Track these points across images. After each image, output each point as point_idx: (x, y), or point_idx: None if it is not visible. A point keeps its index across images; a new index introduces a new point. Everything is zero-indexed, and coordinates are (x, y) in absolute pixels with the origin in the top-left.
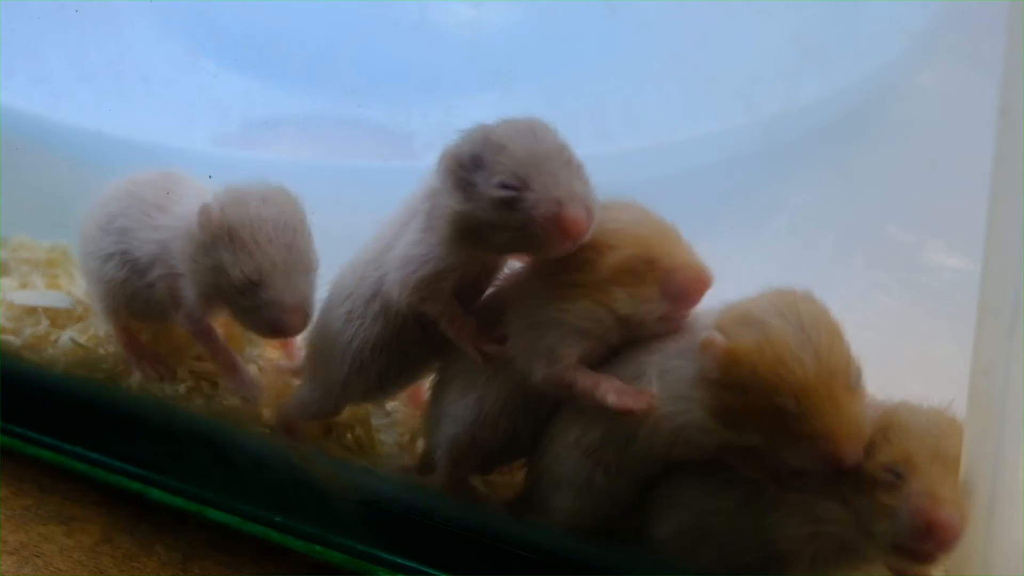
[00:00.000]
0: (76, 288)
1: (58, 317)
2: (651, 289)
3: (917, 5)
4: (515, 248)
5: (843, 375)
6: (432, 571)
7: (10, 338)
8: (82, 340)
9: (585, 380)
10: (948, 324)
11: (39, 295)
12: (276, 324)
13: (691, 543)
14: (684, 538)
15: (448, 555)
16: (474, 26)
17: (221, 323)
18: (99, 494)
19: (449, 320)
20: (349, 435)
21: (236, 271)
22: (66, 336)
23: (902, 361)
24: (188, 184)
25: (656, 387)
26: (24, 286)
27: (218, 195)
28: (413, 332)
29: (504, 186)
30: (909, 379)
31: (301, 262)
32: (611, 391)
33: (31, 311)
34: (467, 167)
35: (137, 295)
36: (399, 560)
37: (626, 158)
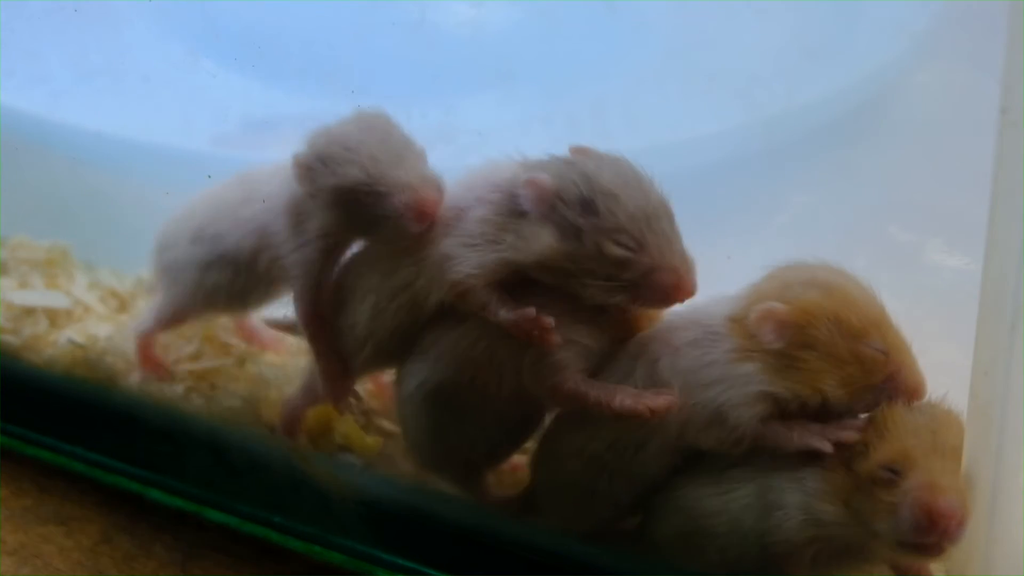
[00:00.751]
0: (75, 288)
1: (57, 317)
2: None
3: (917, 5)
4: (605, 298)
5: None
6: (432, 571)
7: (9, 338)
8: (81, 340)
9: (598, 389)
10: (949, 324)
11: (38, 295)
12: (411, 204)
13: (692, 544)
14: (686, 539)
15: (448, 555)
16: (474, 26)
17: None
18: (98, 494)
19: (496, 310)
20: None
21: (353, 172)
22: (65, 336)
23: None
24: (264, 173)
25: (677, 383)
26: (23, 286)
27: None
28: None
29: (621, 245)
30: None
31: (408, 147)
32: (628, 396)
33: (30, 311)
34: (572, 207)
35: (248, 291)
36: (399, 560)
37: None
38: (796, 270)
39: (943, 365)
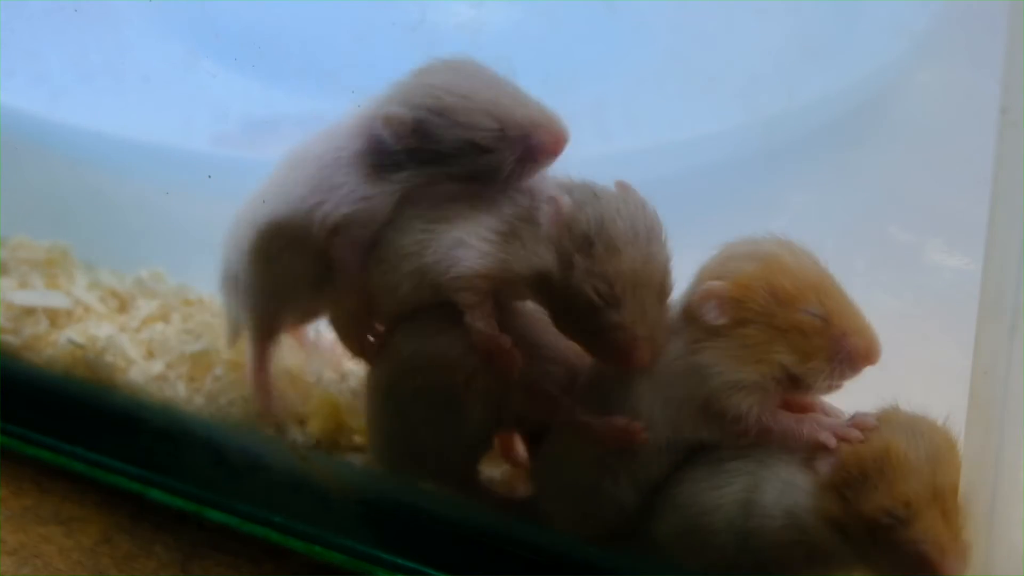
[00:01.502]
0: (75, 288)
1: (57, 317)
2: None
3: (917, 5)
4: (569, 334)
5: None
6: (432, 571)
7: (9, 338)
8: (81, 340)
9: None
10: (949, 324)
11: (38, 295)
12: (548, 142)
13: (692, 542)
14: (685, 537)
15: (448, 555)
16: (474, 26)
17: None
18: (98, 494)
19: (479, 317)
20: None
21: (481, 120)
22: (65, 336)
23: (902, 361)
24: (307, 145)
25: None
26: (23, 286)
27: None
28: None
29: (598, 293)
30: (910, 379)
31: (513, 85)
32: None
33: (30, 311)
34: (575, 240)
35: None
36: (399, 560)
37: (626, 158)
38: (737, 245)
39: (943, 365)
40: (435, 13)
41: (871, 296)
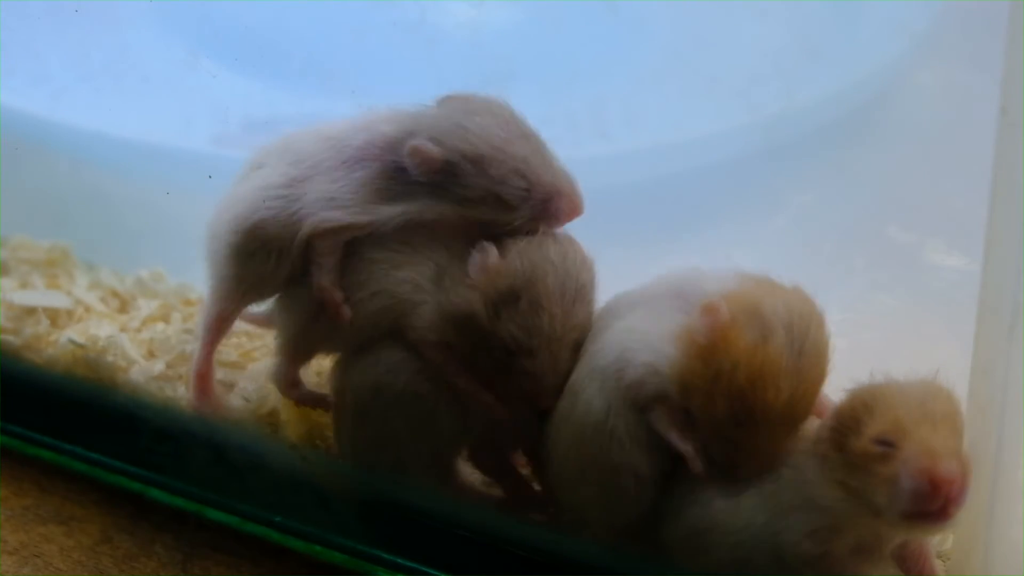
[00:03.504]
0: (76, 288)
1: (58, 317)
2: None
3: (917, 5)
4: (480, 371)
5: (803, 415)
6: (432, 571)
7: (10, 338)
8: (81, 340)
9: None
10: (948, 324)
11: (39, 295)
12: (564, 208)
13: (700, 544)
14: (694, 539)
15: (448, 555)
16: (474, 26)
17: None
18: (99, 494)
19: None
20: None
21: (510, 177)
22: (65, 336)
23: (902, 361)
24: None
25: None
26: (24, 286)
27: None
28: None
29: (517, 343)
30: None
31: (540, 141)
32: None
33: (31, 311)
34: (500, 292)
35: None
36: (399, 560)
37: (626, 158)
38: (773, 305)
39: (943, 365)
40: (435, 13)
41: (871, 296)
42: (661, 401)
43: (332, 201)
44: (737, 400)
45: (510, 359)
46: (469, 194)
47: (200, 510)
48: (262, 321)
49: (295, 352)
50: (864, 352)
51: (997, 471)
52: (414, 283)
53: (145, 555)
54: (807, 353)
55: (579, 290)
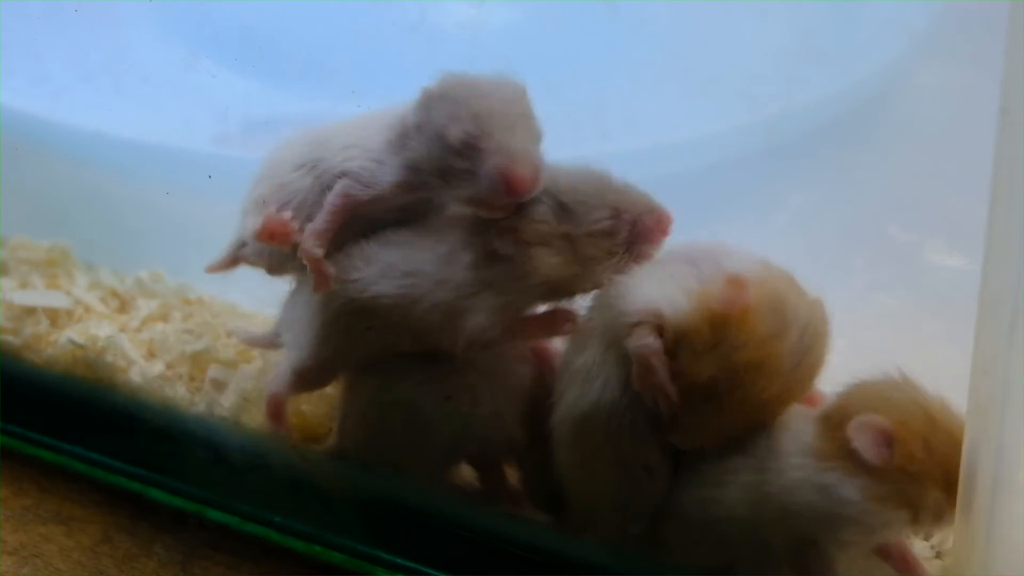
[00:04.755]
0: (76, 288)
1: (58, 317)
2: None
3: (917, 5)
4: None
5: (768, 417)
6: (432, 571)
7: (10, 338)
8: (81, 340)
9: None
10: (948, 324)
11: (39, 295)
12: (505, 173)
13: (695, 539)
14: (689, 534)
15: (448, 555)
16: (474, 26)
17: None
18: (99, 494)
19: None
20: None
21: (465, 125)
22: (65, 336)
23: (902, 361)
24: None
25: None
26: (24, 286)
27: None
28: None
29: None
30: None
31: (528, 122)
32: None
33: (31, 311)
34: (551, 222)
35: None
36: (399, 560)
37: (626, 158)
38: (795, 302)
39: (943, 365)
40: (435, 13)
41: (871, 296)
42: (649, 327)
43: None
44: (724, 376)
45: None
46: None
47: (200, 510)
48: (264, 343)
49: (306, 372)
50: (864, 352)
51: (998, 471)
52: (458, 287)
53: (145, 555)
54: (805, 365)
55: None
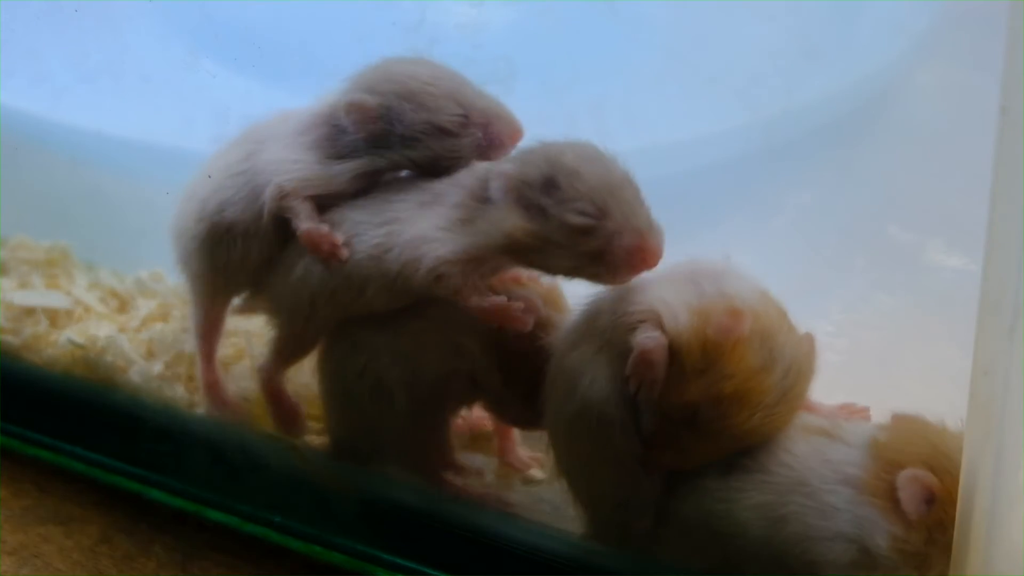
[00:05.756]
0: (75, 288)
1: (57, 317)
2: None
3: (917, 5)
4: (574, 270)
5: (743, 445)
6: (432, 571)
7: (9, 338)
8: (81, 340)
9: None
10: (949, 324)
11: (38, 295)
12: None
13: (698, 550)
14: (692, 545)
15: (448, 555)
16: (474, 26)
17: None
18: (98, 494)
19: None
20: None
21: (445, 104)
22: (65, 336)
23: (902, 361)
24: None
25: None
26: (23, 286)
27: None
28: None
29: (583, 213)
30: (909, 379)
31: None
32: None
33: (30, 311)
34: (536, 189)
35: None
36: (399, 560)
37: (626, 158)
38: (781, 329)
39: (943, 365)
40: (435, 13)
41: (871, 296)
42: (655, 325)
43: (285, 163)
44: (708, 403)
45: (591, 236)
46: (409, 132)
47: (200, 510)
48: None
49: (288, 348)
50: (864, 352)
51: (998, 471)
52: (437, 219)
53: (144, 555)
54: (787, 400)
55: (599, 153)
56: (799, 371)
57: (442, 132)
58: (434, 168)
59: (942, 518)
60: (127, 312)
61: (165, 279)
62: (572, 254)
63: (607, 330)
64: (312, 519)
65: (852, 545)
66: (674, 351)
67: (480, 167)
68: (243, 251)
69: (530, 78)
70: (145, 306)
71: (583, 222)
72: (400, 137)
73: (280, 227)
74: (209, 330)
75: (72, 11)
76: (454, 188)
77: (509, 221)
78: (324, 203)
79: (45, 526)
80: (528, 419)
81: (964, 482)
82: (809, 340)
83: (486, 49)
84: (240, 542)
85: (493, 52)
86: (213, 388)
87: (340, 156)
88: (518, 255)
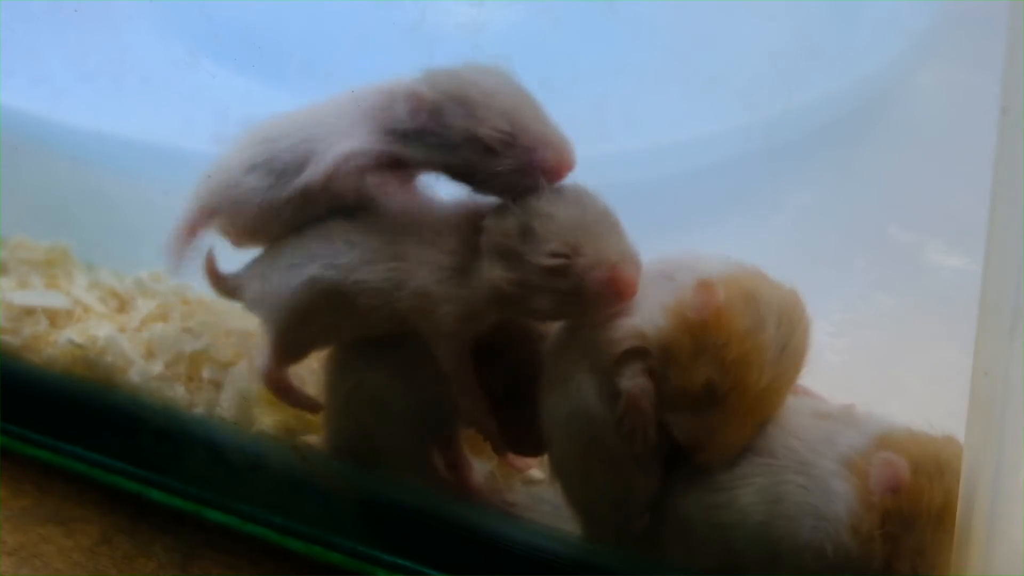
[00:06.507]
0: (75, 288)
1: (57, 317)
2: None
3: (917, 5)
4: (556, 312)
5: (770, 410)
6: (432, 571)
7: (9, 338)
8: (81, 340)
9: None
10: (949, 324)
11: (38, 295)
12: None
13: (699, 544)
14: (692, 539)
15: (448, 555)
16: (474, 26)
17: None
18: (98, 494)
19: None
20: None
21: (495, 119)
22: (65, 336)
23: (902, 361)
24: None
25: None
26: (23, 286)
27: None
28: None
29: (555, 255)
30: (909, 379)
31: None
32: None
33: (30, 311)
34: (513, 238)
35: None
36: (399, 560)
37: (626, 158)
38: (769, 294)
39: (943, 365)
40: (435, 13)
41: (871, 296)
42: (637, 356)
43: (344, 136)
44: (718, 376)
45: (566, 276)
46: (452, 136)
47: (199, 510)
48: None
49: (287, 348)
50: (864, 352)
51: (998, 471)
52: (438, 270)
53: (144, 556)
54: (790, 350)
55: (579, 196)
56: (791, 320)
57: (482, 145)
58: (468, 179)
59: (900, 510)
60: (127, 312)
61: (164, 279)
62: (550, 296)
63: (591, 345)
64: (312, 519)
65: (817, 512)
66: (667, 352)
67: (468, 206)
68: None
69: (530, 78)
70: (145, 306)
71: (556, 263)
72: (442, 139)
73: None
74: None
75: (72, 11)
76: (448, 229)
77: (493, 273)
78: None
79: (45, 526)
80: (523, 442)
81: (964, 482)
82: (793, 293)
83: (486, 49)
84: (240, 542)
85: (493, 52)
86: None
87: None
88: (504, 304)
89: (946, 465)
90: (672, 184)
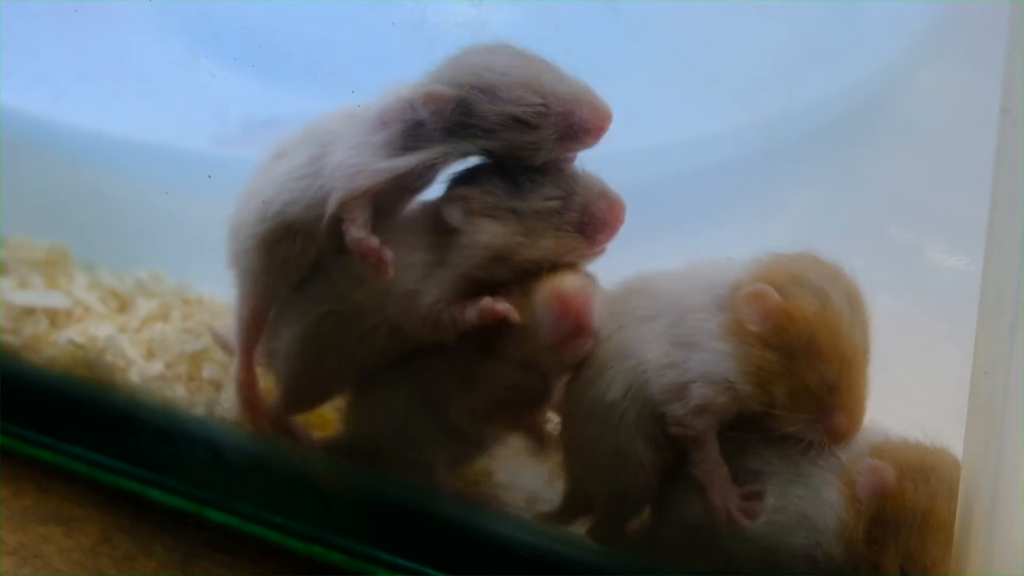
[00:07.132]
0: (75, 288)
1: (57, 317)
2: None
3: (917, 5)
4: (563, 252)
5: (868, 358)
6: (432, 571)
7: (9, 338)
8: (81, 340)
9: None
10: (949, 324)
11: (38, 295)
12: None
13: (695, 543)
14: (688, 538)
15: (448, 555)
16: (474, 26)
17: None
18: (98, 494)
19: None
20: None
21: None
22: (65, 336)
23: (902, 361)
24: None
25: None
26: (23, 286)
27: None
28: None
29: (549, 198)
30: (910, 379)
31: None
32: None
33: (30, 311)
34: (500, 195)
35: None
36: (399, 560)
37: (626, 158)
38: (811, 268)
39: (943, 365)
40: (435, 13)
41: (871, 296)
42: (706, 411)
43: (354, 166)
44: (824, 364)
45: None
46: (487, 124)
47: (200, 510)
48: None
49: (297, 394)
50: None
51: (998, 471)
52: (417, 268)
53: (144, 555)
54: (853, 301)
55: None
56: (843, 281)
57: (520, 123)
58: (514, 159)
59: (886, 515)
60: (127, 312)
61: (164, 279)
62: (556, 232)
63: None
64: (312, 519)
65: (810, 523)
66: (757, 375)
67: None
68: (299, 250)
69: None
70: (145, 306)
71: (553, 204)
72: (478, 129)
73: (338, 232)
74: (252, 327)
75: (72, 11)
76: (414, 228)
77: (484, 236)
78: (387, 203)
79: (45, 526)
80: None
81: (964, 482)
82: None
83: None
84: (240, 542)
85: None
86: (247, 388)
87: (412, 149)
88: (502, 261)
89: (931, 470)
90: (672, 184)
